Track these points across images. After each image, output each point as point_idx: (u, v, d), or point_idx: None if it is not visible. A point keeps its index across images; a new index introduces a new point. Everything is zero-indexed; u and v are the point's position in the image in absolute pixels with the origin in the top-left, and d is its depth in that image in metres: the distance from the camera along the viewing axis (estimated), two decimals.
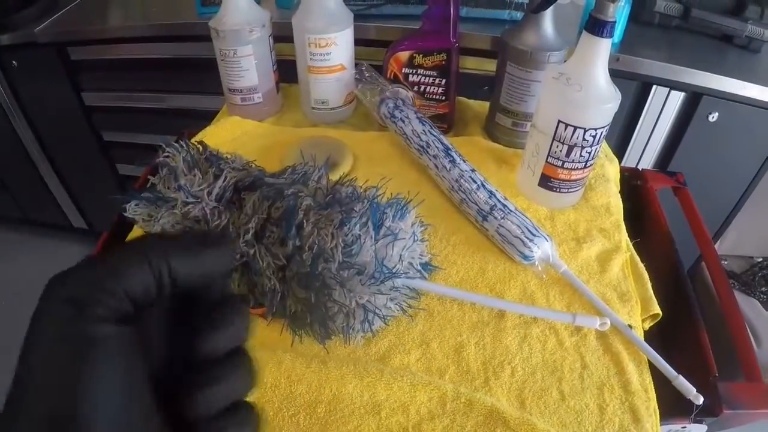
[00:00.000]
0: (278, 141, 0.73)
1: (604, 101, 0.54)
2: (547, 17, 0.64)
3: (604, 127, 0.56)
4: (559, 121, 0.56)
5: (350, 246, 0.44)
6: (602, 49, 0.52)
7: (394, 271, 0.45)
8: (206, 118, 0.80)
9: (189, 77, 1.23)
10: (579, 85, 0.54)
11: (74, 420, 0.16)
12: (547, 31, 0.65)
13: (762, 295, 1.23)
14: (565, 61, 0.63)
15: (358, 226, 0.45)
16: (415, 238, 0.49)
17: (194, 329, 0.21)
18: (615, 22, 0.51)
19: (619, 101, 0.55)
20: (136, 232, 0.59)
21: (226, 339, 0.21)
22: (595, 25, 0.51)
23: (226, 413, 0.21)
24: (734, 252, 1.32)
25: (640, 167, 0.74)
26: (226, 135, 0.74)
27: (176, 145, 0.53)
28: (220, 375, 0.21)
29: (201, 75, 1.13)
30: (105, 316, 0.18)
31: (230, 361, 0.21)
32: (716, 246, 1.24)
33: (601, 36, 0.51)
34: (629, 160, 1.09)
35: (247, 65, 0.73)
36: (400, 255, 0.46)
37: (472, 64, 0.99)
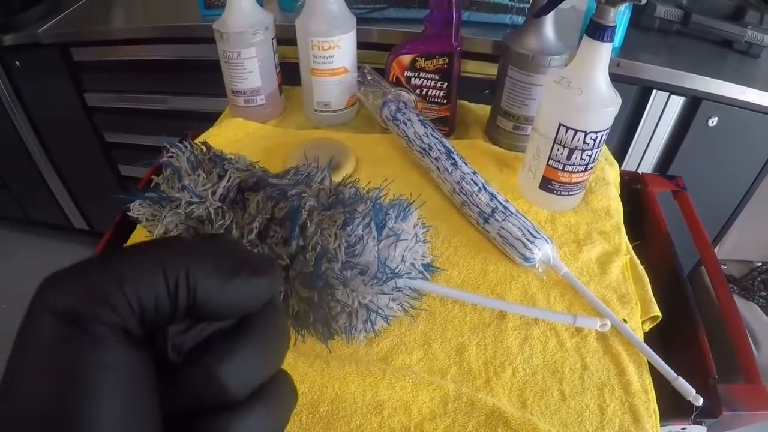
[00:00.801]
0: (281, 143, 0.73)
1: (604, 105, 0.54)
2: (548, 22, 0.65)
3: (604, 130, 0.56)
4: (560, 125, 0.56)
5: (353, 246, 0.44)
6: (603, 53, 0.53)
7: (396, 271, 0.45)
8: (209, 119, 0.80)
9: (191, 79, 1.23)
10: (580, 88, 0.54)
11: None
12: (549, 35, 0.65)
13: (761, 300, 1.23)
14: (566, 66, 0.64)
15: (361, 226, 0.45)
16: (418, 239, 0.49)
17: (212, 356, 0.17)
18: (615, 26, 0.52)
19: (620, 105, 0.55)
20: (138, 232, 0.59)
21: (258, 369, 0.18)
22: (596, 30, 0.52)
23: None
24: (733, 256, 1.32)
25: (640, 171, 0.74)
26: (229, 136, 0.75)
27: (180, 145, 0.54)
28: (253, 413, 0.17)
29: (203, 77, 1.14)
30: (104, 336, 0.14)
31: (266, 392, 0.18)
32: (716, 250, 1.25)
33: (602, 40, 0.52)
34: (629, 164, 1.10)
35: (251, 67, 0.74)
36: (403, 256, 0.47)
37: (473, 68, 1.00)
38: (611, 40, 0.52)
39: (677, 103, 0.99)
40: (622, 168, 0.73)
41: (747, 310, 1.20)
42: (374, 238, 0.45)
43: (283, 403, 0.18)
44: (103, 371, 0.14)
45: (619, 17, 0.93)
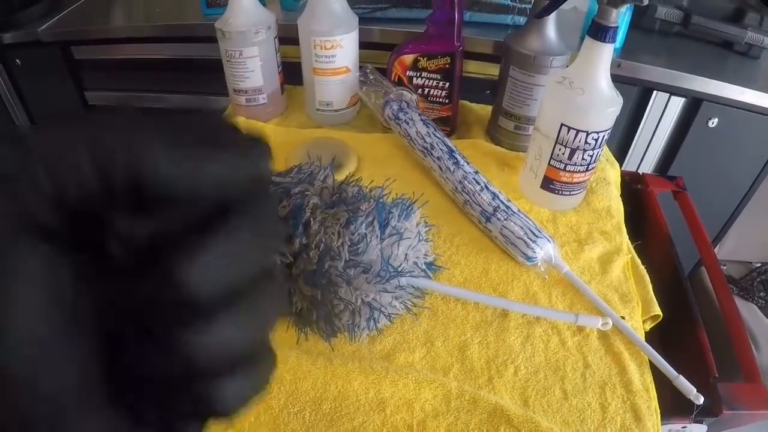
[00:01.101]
0: (283, 142, 0.74)
1: (606, 105, 0.55)
2: (550, 22, 0.65)
3: (606, 130, 0.56)
4: (562, 125, 0.56)
5: (357, 244, 0.44)
6: (605, 54, 0.53)
7: (399, 269, 0.46)
8: None
9: (193, 78, 1.23)
10: (582, 89, 0.54)
11: None
12: (550, 36, 0.66)
13: (760, 300, 1.23)
14: (567, 66, 0.64)
15: (364, 225, 0.45)
16: (420, 237, 0.49)
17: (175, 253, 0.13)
18: (617, 27, 0.52)
19: (621, 105, 0.55)
20: None
21: (234, 270, 0.14)
22: (598, 31, 0.52)
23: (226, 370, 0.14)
24: (733, 257, 1.32)
25: (640, 171, 0.75)
26: None
27: None
28: (224, 324, 0.14)
29: (205, 76, 1.14)
30: (7, 227, 0.12)
31: (243, 296, 0.14)
32: (715, 251, 1.25)
33: (604, 41, 0.52)
34: (630, 164, 1.10)
35: (253, 66, 0.74)
36: (406, 254, 0.47)
37: (474, 68, 1.00)
38: (613, 40, 0.52)
39: (678, 104, 1.00)
40: (623, 168, 0.73)
41: (746, 311, 1.21)
42: (377, 236, 0.45)
43: (263, 310, 0.15)
44: (7, 272, 0.12)
45: (620, 18, 0.93)
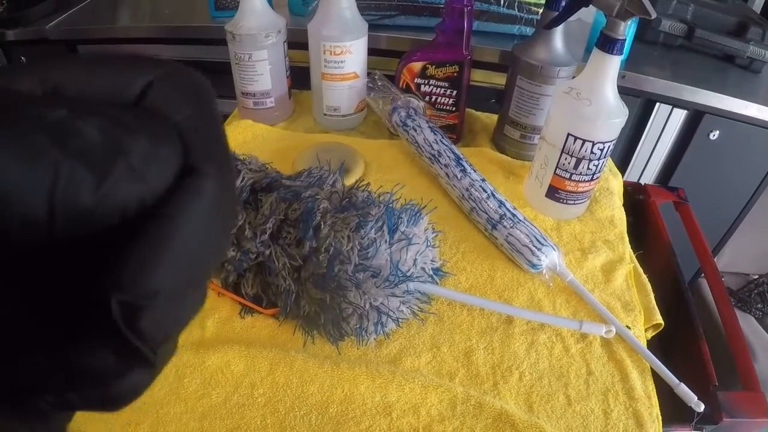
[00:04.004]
0: (289, 146, 0.74)
1: (612, 116, 0.56)
2: (558, 33, 0.66)
3: (611, 140, 0.57)
4: (569, 134, 0.57)
5: (366, 249, 0.45)
6: (612, 65, 0.54)
7: (408, 274, 0.46)
8: None
9: None
10: (589, 99, 0.55)
11: None
12: (558, 47, 0.66)
13: (758, 312, 1.24)
14: (573, 77, 0.65)
15: (373, 230, 0.46)
16: (428, 243, 0.50)
17: None
18: (625, 39, 0.53)
19: (626, 116, 0.56)
20: None
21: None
22: (606, 43, 0.53)
23: None
24: (731, 269, 1.33)
25: (642, 182, 0.76)
26: (238, 138, 0.75)
27: None
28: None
29: (211, 78, 1.14)
30: None
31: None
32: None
33: (612, 53, 0.53)
34: (632, 175, 1.11)
35: (262, 70, 0.75)
36: (414, 259, 0.47)
37: (479, 77, 1.01)
38: (621, 52, 0.53)
39: (680, 116, 1.01)
40: (625, 179, 0.74)
41: (744, 322, 1.22)
42: (386, 241, 0.46)
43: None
44: None
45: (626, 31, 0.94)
